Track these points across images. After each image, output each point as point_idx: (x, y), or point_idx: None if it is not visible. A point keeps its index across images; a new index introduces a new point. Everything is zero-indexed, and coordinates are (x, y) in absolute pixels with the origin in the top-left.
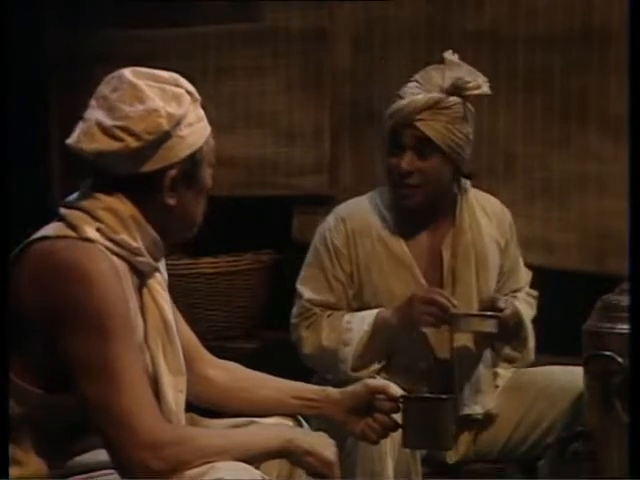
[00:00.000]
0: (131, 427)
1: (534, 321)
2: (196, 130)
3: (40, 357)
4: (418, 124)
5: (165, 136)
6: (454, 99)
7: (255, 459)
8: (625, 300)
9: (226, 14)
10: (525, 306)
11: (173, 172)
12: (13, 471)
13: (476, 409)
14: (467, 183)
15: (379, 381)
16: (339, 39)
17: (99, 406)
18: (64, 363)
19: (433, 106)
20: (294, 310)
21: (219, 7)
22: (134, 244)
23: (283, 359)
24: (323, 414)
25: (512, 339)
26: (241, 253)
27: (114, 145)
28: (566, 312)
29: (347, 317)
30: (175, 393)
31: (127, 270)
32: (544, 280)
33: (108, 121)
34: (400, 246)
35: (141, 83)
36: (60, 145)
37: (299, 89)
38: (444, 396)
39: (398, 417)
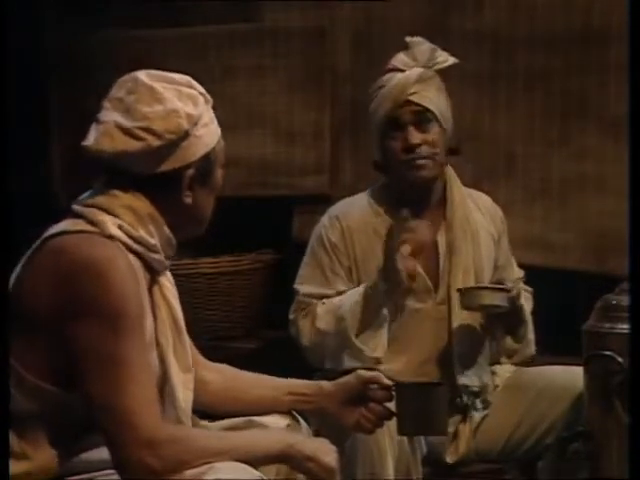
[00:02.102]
0: (132, 425)
1: (533, 320)
2: (210, 130)
3: (55, 354)
4: (413, 98)
5: (184, 136)
6: (433, 72)
7: (255, 462)
8: (625, 300)
9: (226, 14)
10: (523, 298)
11: (191, 171)
12: (20, 465)
13: (474, 381)
14: (450, 169)
15: (371, 372)
16: (339, 39)
17: (103, 402)
18: (72, 355)
19: (421, 79)
20: (291, 307)
21: (219, 7)
22: (152, 241)
23: (283, 359)
24: (317, 407)
25: (515, 324)
26: (241, 253)
27: (136, 145)
28: (566, 312)
29: (338, 297)
30: (184, 391)
31: (141, 267)
32: (544, 280)
33: (128, 122)
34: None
35: (157, 85)
36: (60, 145)
37: (299, 89)
38: (436, 381)
39: (393, 407)
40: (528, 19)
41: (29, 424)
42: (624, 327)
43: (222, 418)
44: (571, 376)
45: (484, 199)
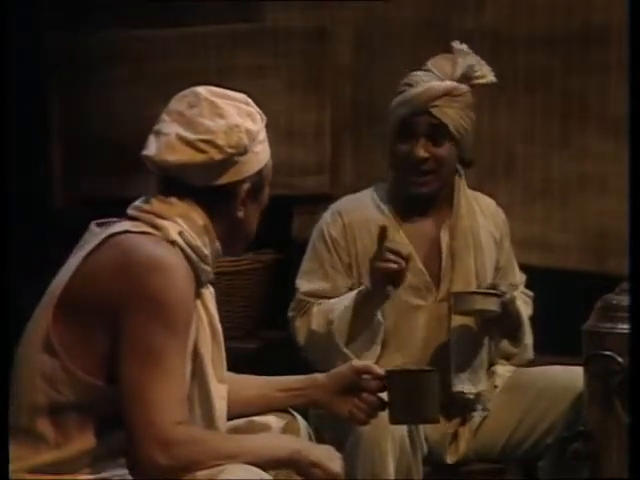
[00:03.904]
0: (151, 422)
1: (533, 321)
2: (265, 148)
3: (103, 346)
4: (433, 111)
5: (244, 151)
6: (465, 87)
7: (264, 465)
8: (625, 300)
9: (227, 14)
10: (521, 303)
11: (247, 186)
12: (50, 454)
13: (470, 388)
14: (461, 170)
15: (364, 362)
16: (339, 39)
17: (132, 392)
18: (119, 344)
19: (449, 93)
20: (291, 305)
21: (219, 7)
22: (205, 251)
23: (283, 359)
24: (311, 400)
25: (510, 328)
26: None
27: (198, 157)
28: (566, 312)
29: (333, 300)
30: (219, 400)
31: (193, 276)
32: (544, 280)
33: (190, 135)
34: (399, 236)
35: (219, 100)
36: (60, 145)
37: (300, 89)
38: (427, 368)
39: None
40: (528, 19)
41: (67, 414)
42: (624, 327)
43: None
44: (571, 376)
45: (488, 202)
